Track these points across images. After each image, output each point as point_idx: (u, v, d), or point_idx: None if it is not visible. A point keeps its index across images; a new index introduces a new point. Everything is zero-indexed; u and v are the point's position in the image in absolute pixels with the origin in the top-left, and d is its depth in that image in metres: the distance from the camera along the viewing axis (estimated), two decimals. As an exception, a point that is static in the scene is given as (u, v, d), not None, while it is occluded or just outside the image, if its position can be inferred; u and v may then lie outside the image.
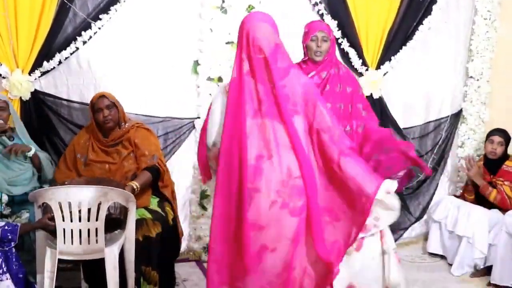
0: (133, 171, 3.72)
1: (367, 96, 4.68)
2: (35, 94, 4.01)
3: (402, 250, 4.93)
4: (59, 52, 4.01)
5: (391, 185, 2.77)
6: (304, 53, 3.63)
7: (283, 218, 2.56)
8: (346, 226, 2.68)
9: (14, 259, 3.08)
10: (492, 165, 4.60)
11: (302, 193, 2.59)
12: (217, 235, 2.72)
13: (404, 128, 4.99)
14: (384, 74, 4.79)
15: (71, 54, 4.04)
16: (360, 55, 4.69)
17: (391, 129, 3.75)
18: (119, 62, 4.17)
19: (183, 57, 4.32)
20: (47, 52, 3.98)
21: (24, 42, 3.90)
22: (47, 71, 4.03)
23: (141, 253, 3.43)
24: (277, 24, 2.78)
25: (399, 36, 4.79)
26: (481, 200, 4.55)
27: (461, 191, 4.91)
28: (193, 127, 4.39)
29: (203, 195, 4.46)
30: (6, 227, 3.05)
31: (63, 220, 3.11)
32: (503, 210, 4.39)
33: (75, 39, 4.03)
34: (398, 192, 2.98)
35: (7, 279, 3.03)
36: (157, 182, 3.76)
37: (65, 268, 3.74)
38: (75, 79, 4.12)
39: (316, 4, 4.51)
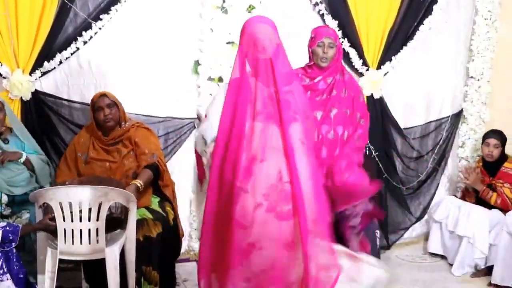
0: (133, 169, 3.73)
1: (367, 96, 4.70)
2: (36, 94, 4.02)
3: (402, 250, 4.96)
4: (60, 52, 4.01)
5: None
6: (310, 58, 3.62)
7: (269, 221, 2.56)
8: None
9: (14, 260, 3.08)
10: (491, 167, 4.60)
11: (290, 199, 2.59)
12: (207, 230, 2.74)
13: (404, 128, 4.99)
14: (385, 74, 4.79)
15: (71, 54, 4.04)
16: (361, 55, 4.69)
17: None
18: (119, 62, 4.17)
19: (183, 57, 4.32)
20: (47, 52, 3.98)
21: (24, 42, 3.91)
22: (48, 71, 4.03)
23: (142, 253, 3.43)
24: (276, 27, 2.78)
25: (400, 36, 4.79)
26: (482, 202, 4.56)
27: (461, 195, 4.91)
28: (194, 127, 4.39)
29: (204, 195, 4.46)
30: (7, 228, 3.05)
31: (64, 220, 3.11)
32: (504, 210, 4.39)
33: (76, 39, 4.03)
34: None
35: (7, 279, 3.03)
36: (157, 180, 3.76)
37: (66, 268, 3.74)
38: (75, 79, 4.12)
39: (316, 4, 4.51)
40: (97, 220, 3.15)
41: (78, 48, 4.05)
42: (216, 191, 2.68)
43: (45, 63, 3.99)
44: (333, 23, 4.50)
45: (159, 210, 3.64)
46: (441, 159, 5.20)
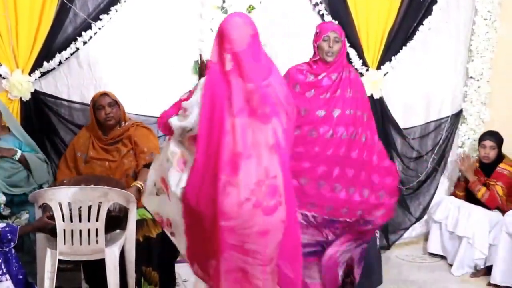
0: (133, 168, 3.75)
1: (367, 97, 4.70)
2: (35, 94, 4.01)
3: (402, 250, 4.96)
4: (59, 53, 4.01)
5: None
6: (315, 53, 3.60)
7: (256, 216, 2.57)
8: None
9: (13, 260, 3.07)
10: (486, 167, 4.61)
11: (276, 193, 2.60)
12: (191, 224, 2.74)
13: (404, 128, 4.99)
14: (385, 74, 4.78)
15: (71, 54, 4.04)
16: (361, 55, 4.69)
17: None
18: (119, 62, 4.17)
19: (183, 57, 4.32)
20: (47, 52, 3.98)
21: (24, 42, 3.90)
22: (47, 72, 4.03)
23: (142, 254, 3.43)
24: (253, 21, 2.72)
25: (400, 36, 4.79)
26: (472, 197, 4.57)
27: (453, 188, 4.93)
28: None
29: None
30: (6, 228, 3.05)
31: (63, 221, 3.11)
32: (489, 207, 4.46)
33: (76, 40, 4.03)
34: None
35: (6, 280, 3.02)
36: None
37: (66, 268, 3.74)
38: (75, 79, 4.12)
39: (316, 4, 4.50)
40: (97, 220, 3.15)
41: (77, 49, 4.05)
42: (199, 185, 2.66)
43: (45, 63, 3.98)
44: (333, 24, 4.50)
45: (159, 210, 3.64)
46: (441, 159, 5.20)
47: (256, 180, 2.56)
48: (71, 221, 3.13)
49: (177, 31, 4.27)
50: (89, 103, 3.86)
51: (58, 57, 4.00)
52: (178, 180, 2.67)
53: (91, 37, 4.06)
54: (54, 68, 4.03)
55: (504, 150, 4.68)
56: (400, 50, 4.80)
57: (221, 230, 2.57)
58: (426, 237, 5.03)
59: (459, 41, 5.10)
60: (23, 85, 3.92)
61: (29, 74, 3.96)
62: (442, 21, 4.94)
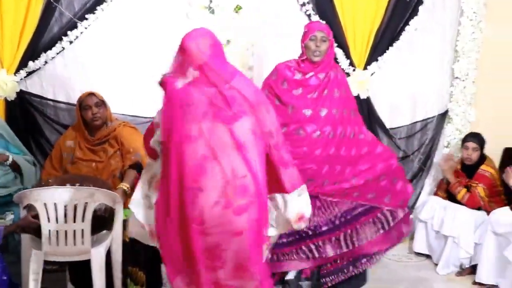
0: (119, 169, 3.74)
1: (354, 97, 4.71)
2: (21, 94, 4.00)
3: (388, 249, 4.97)
4: (45, 52, 3.99)
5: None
6: (302, 53, 3.62)
7: (228, 217, 2.58)
8: None
9: (-2, 261, 3.07)
10: (468, 169, 4.63)
11: (246, 192, 2.61)
12: (162, 229, 2.76)
13: (391, 128, 5.00)
14: (371, 74, 4.80)
15: (57, 54, 4.03)
16: (348, 55, 4.70)
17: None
18: (105, 62, 4.16)
19: (170, 57, 4.29)
20: (32, 52, 3.97)
21: (9, 42, 3.88)
22: (33, 71, 4.02)
23: (128, 254, 3.42)
24: (212, 33, 2.82)
25: (386, 36, 4.80)
26: (453, 198, 4.61)
27: (435, 189, 4.97)
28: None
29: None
30: (-10, 229, 3.03)
31: (49, 221, 3.10)
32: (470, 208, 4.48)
33: (61, 39, 4.02)
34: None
35: (-9, 280, 3.01)
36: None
37: (51, 269, 3.72)
38: (61, 79, 4.11)
39: (303, 4, 4.51)
40: (83, 221, 3.14)
41: (63, 48, 4.04)
42: (164, 192, 2.69)
43: (30, 63, 3.97)
44: (319, 24, 4.51)
45: (145, 210, 3.63)
46: (427, 159, 5.22)
47: (224, 181, 2.58)
48: (57, 221, 3.11)
49: (164, 31, 4.26)
50: (75, 103, 3.85)
51: (43, 57, 3.99)
52: None
53: (77, 37, 4.05)
54: (39, 67, 4.02)
55: (490, 150, 4.70)
56: (387, 50, 4.81)
57: (193, 232, 2.58)
58: (412, 236, 5.04)
59: (445, 41, 5.12)
60: (8, 84, 3.90)
61: (14, 74, 3.95)
62: (428, 22, 4.95)
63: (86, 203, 3.13)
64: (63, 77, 4.11)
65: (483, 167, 4.55)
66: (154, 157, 2.90)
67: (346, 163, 3.61)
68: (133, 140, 3.80)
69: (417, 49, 4.98)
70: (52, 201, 3.09)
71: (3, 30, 3.84)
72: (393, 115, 5.03)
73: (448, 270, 4.50)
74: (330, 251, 3.62)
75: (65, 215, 3.13)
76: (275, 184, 2.76)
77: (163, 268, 3.85)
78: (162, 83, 2.75)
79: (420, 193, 5.23)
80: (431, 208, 4.71)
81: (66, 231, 3.13)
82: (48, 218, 3.09)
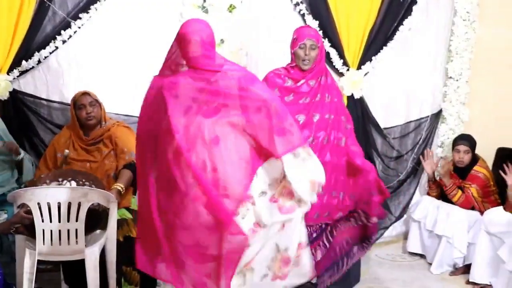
0: (114, 169, 3.73)
1: (348, 97, 4.72)
2: (14, 93, 3.98)
3: (382, 249, 4.98)
4: (38, 51, 3.98)
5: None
6: (292, 59, 3.60)
7: (198, 210, 2.60)
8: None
9: (-9, 261, 3.05)
10: (461, 170, 4.64)
11: (217, 186, 2.61)
12: (142, 219, 2.84)
13: (384, 128, 5.01)
14: (365, 74, 4.80)
15: (50, 53, 4.02)
16: (341, 55, 4.70)
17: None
18: (99, 61, 4.14)
19: (163, 56, 4.28)
20: (26, 51, 3.95)
21: (2, 41, 3.87)
22: (26, 71, 4.00)
23: (122, 254, 3.41)
24: (209, 25, 2.81)
25: (380, 36, 4.81)
26: (445, 197, 4.62)
27: (427, 186, 4.99)
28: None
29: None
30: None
31: (43, 221, 3.09)
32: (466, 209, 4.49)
33: (55, 38, 4.00)
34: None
35: (-15, 280, 3.00)
36: (135, 180, 3.74)
37: (45, 269, 3.71)
38: (54, 78, 4.09)
39: (297, 4, 4.51)
40: (77, 220, 3.13)
41: (57, 47, 4.02)
42: (142, 183, 2.78)
43: (24, 62, 3.95)
44: (313, 23, 4.51)
45: (140, 210, 3.63)
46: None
47: (194, 175, 2.59)
48: (51, 221, 3.10)
49: (157, 30, 4.24)
50: (69, 102, 3.84)
51: (37, 56, 3.98)
52: None
53: (70, 36, 4.04)
54: (33, 67, 4.01)
55: (483, 150, 4.71)
56: (381, 50, 4.82)
57: (176, 228, 2.61)
58: (406, 236, 5.05)
59: (438, 41, 5.14)
60: (1, 84, 3.89)
61: (8, 73, 3.93)
62: (422, 22, 4.97)
63: (80, 202, 3.12)
64: (56, 76, 4.09)
65: (475, 168, 4.56)
66: None
67: (340, 171, 3.60)
68: (127, 140, 3.79)
69: (410, 49, 5.00)
70: (46, 200, 3.08)
71: (-4, 29, 3.84)
72: (387, 115, 5.04)
73: (442, 269, 4.52)
74: (319, 255, 3.61)
75: (59, 215, 3.12)
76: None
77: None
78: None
79: (414, 193, 5.24)
80: (424, 208, 4.72)
81: (60, 231, 3.13)
82: (42, 218, 3.08)
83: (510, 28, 5.16)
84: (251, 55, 4.43)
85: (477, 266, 4.22)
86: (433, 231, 4.57)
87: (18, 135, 3.96)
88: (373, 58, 4.80)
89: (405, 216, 5.20)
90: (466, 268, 4.40)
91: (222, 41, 4.27)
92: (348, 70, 4.73)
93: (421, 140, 5.18)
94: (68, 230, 3.14)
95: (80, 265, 3.20)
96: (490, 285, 4.15)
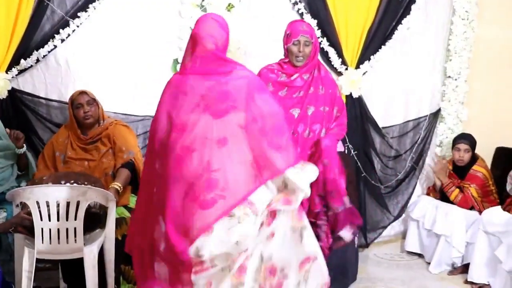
0: (112, 167, 3.73)
1: (346, 96, 4.72)
2: (13, 92, 3.98)
3: (381, 248, 4.99)
4: (37, 50, 3.98)
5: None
6: (285, 54, 3.60)
7: (195, 211, 2.55)
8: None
9: (-10, 260, 3.06)
10: (460, 170, 4.64)
11: (215, 187, 2.56)
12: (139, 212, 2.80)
13: (383, 127, 5.01)
14: (364, 73, 4.80)
15: (49, 52, 4.01)
16: (340, 54, 4.70)
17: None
18: (98, 60, 4.14)
19: (162, 55, 4.30)
20: (24, 49, 3.95)
21: (0, 40, 3.87)
22: (25, 69, 4.00)
23: (121, 252, 3.41)
24: (225, 22, 2.80)
25: (379, 35, 4.81)
26: (446, 199, 4.62)
27: (427, 191, 5.00)
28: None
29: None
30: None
31: (41, 220, 3.09)
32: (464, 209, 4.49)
33: (53, 37, 4.00)
34: None
35: (-17, 279, 3.00)
36: (136, 179, 3.74)
37: (43, 268, 3.71)
38: (53, 77, 4.09)
39: (296, 3, 4.51)
40: (75, 219, 3.13)
41: (55, 46, 4.02)
42: (150, 182, 2.73)
43: (22, 60, 3.95)
44: (312, 22, 4.50)
45: (138, 209, 3.63)
46: (419, 158, 5.23)
47: (195, 174, 2.57)
48: (49, 219, 3.10)
49: (156, 29, 4.25)
50: (67, 101, 3.83)
51: (35, 55, 3.97)
52: None
53: (69, 35, 4.03)
54: (31, 65, 4.01)
55: (482, 149, 4.72)
56: (379, 49, 4.82)
57: (168, 221, 2.57)
58: (404, 235, 5.05)
59: (437, 40, 5.14)
60: (-1, 82, 3.88)
61: (6, 72, 3.92)
62: (420, 21, 4.97)
63: (79, 201, 3.12)
64: (55, 75, 4.09)
65: (474, 167, 4.56)
66: None
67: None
68: (125, 139, 3.79)
69: (409, 48, 5.01)
70: (45, 199, 3.08)
71: (-6, 27, 3.83)
72: (385, 114, 5.04)
73: (440, 269, 4.52)
74: None
75: (58, 213, 3.12)
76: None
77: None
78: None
79: (412, 192, 5.24)
80: (423, 207, 4.73)
81: (58, 229, 3.12)
82: (41, 216, 3.08)
83: (509, 27, 5.17)
84: (249, 54, 4.43)
85: (475, 265, 4.22)
86: (432, 230, 4.57)
87: (16, 134, 3.96)
88: (371, 57, 4.80)
89: (403, 215, 5.20)
90: (465, 268, 4.40)
91: (220, 40, 4.27)
92: (346, 69, 4.73)
93: (419, 139, 5.19)
94: (67, 229, 3.13)
95: (78, 263, 3.20)
96: (488, 285, 4.15)
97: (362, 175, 4.86)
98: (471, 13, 5.07)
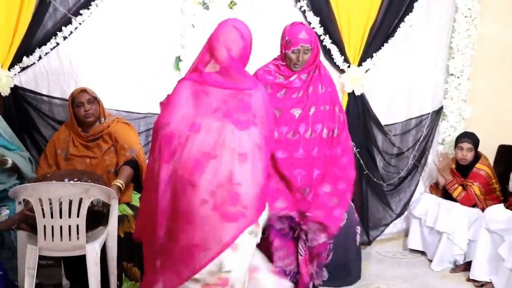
0: (114, 165, 3.73)
1: (349, 93, 4.72)
2: (15, 89, 3.98)
3: (383, 246, 4.99)
4: (39, 48, 3.98)
5: None
6: (282, 58, 3.50)
7: (213, 220, 2.51)
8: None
9: (-6, 257, 3.06)
10: (463, 168, 4.64)
11: (237, 202, 2.53)
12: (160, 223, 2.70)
13: (386, 125, 5.01)
14: (366, 71, 4.80)
15: (51, 49, 4.02)
16: (342, 51, 4.69)
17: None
18: (100, 58, 4.14)
19: (165, 53, 4.30)
20: (27, 47, 3.95)
21: (3, 37, 3.87)
22: (27, 67, 4.00)
23: (123, 250, 3.42)
24: (250, 32, 2.77)
25: (381, 33, 4.80)
26: (449, 197, 4.61)
27: (429, 189, 5.00)
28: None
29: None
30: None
31: (44, 217, 3.09)
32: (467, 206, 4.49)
33: (56, 35, 4.00)
34: None
35: (-13, 276, 3.00)
36: (138, 176, 3.74)
37: (46, 264, 3.72)
38: (55, 74, 4.09)
39: (298, 0, 4.51)
40: (78, 216, 3.13)
41: (58, 44, 4.02)
42: (165, 183, 2.62)
43: (24, 58, 3.95)
44: (314, 20, 4.51)
45: (140, 206, 3.63)
46: (422, 156, 5.23)
47: (217, 183, 2.52)
48: (52, 217, 3.10)
49: (158, 26, 4.25)
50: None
51: (38, 52, 3.98)
52: None
53: (71, 32, 4.04)
54: (34, 63, 4.01)
55: (484, 147, 4.71)
56: (382, 47, 4.82)
57: (181, 223, 2.53)
58: (406, 233, 5.06)
59: (440, 38, 5.13)
60: (2, 80, 3.89)
61: (9, 69, 3.93)
62: (423, 18, 4.97)
63: (81, 198, 3.12)
64: (57, 72, 4.09)
65: (477, 165, 4.56)
66: None
67: (332, 163, 3.54)
68: (127, 136, 3.79)
69: (412, 45, 5.00)
70: (47, 196, 3.09)
71: (-3, 25, 3.84)
72: (388, 112, 5.04)
73: (442, 266, 4.52)
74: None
75: (61, 211, 3.12)
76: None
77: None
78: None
79: (414, 190, 5.25)
80: (425, 205, 4.73)
81: (61, 226, 3.13)
82: (44, 214, 3.09)
83: (512, 24, 5.17)
84: (251, 52, 4.42)
85: (478, 263, 4.22)
86: (434, 227, 4.57)
87: (19, 131, 3.96)
88: (374, 54, 4.80)
89: (405, 213, 5.20)
90: (467, 265, 4.40)
91: (223, 37, 4.26)
92: (349, 66, 4.73)
93: (422, 137, 5.18)
94: (69, 226, 3.14)
95: (81, 261, 3.21)
96: (491, 283, 4.15)
97: (365, 172, 4.86)
98: (474, 10, 5.07)
